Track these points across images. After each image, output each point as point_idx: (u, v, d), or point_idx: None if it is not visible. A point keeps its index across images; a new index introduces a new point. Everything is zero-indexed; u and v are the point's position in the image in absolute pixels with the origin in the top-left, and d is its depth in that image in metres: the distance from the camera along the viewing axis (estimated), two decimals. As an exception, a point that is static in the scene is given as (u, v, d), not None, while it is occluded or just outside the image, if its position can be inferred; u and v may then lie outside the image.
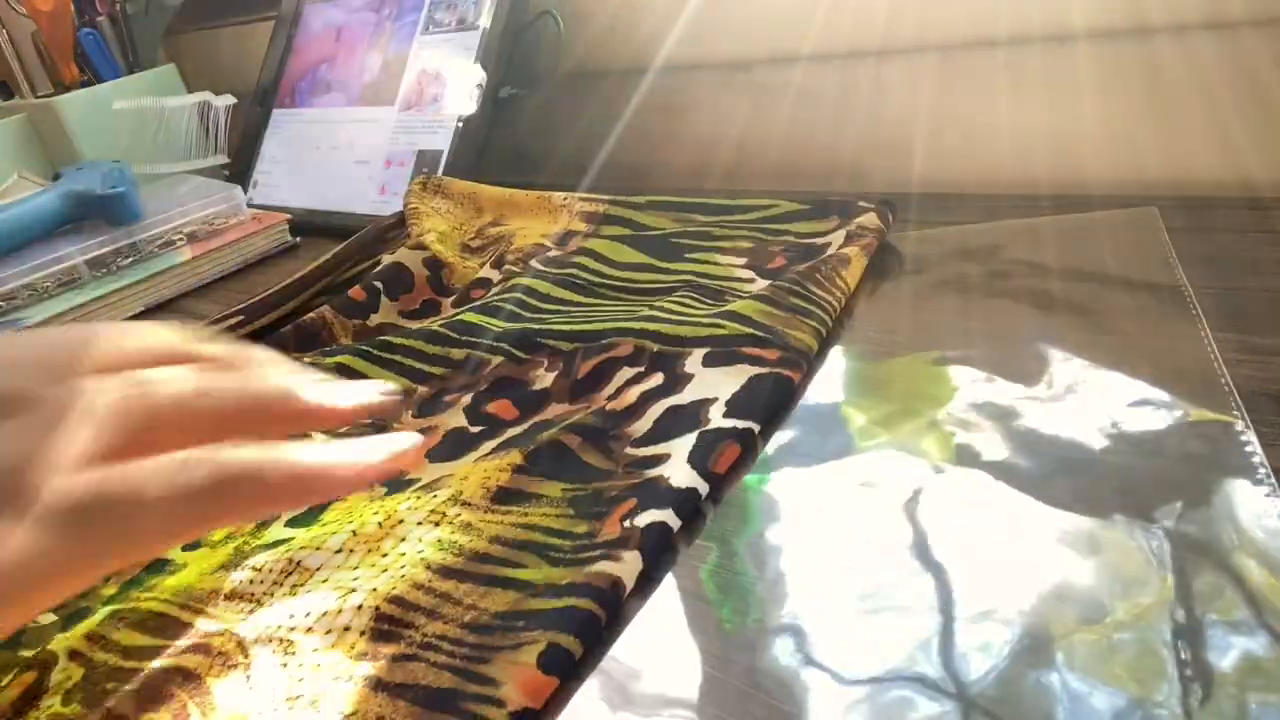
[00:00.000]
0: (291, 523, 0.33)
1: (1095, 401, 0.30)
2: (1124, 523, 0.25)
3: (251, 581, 0.29)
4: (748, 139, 0.64)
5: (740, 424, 0.32)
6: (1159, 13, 0.46)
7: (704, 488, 0.30)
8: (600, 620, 0.25)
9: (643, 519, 0.28)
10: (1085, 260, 0.40)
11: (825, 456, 0.31)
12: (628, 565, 0.26)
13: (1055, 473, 0.27)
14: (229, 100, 0.80)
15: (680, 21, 0.63)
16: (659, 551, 0.27)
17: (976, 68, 0.53)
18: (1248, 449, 0.26)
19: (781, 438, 0.32)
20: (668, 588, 0.27)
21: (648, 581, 0.27)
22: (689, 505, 0.29)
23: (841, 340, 0.38)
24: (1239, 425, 0.27)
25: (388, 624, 0.26)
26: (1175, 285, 0.36)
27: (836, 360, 0.37)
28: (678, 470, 0.30)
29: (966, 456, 0.29)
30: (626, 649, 0.25)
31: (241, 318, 0.49)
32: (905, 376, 0.34)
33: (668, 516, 0.28)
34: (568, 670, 0.24)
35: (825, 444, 0.31)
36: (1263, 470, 0.25)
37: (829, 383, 0.35)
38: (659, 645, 0.25)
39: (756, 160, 0.64)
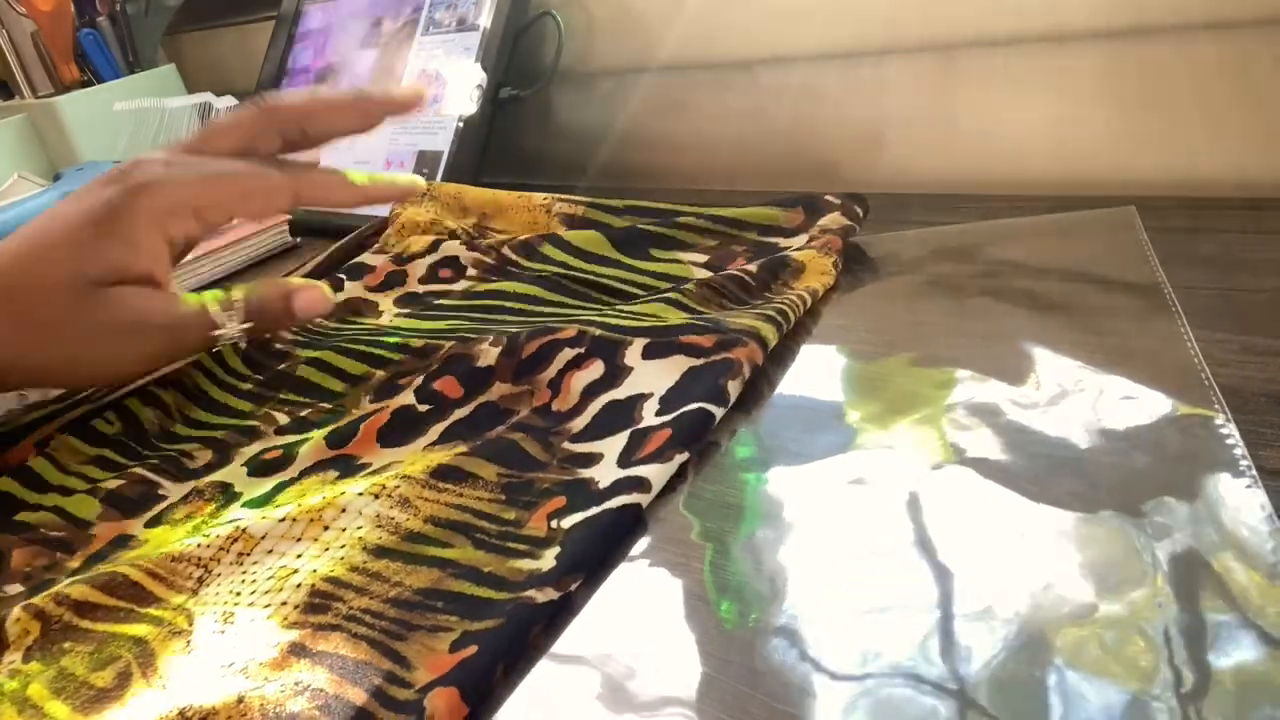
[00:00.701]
0: (248, 504, 0.34)
1: (1081, 399, 0.30)
2: (1115, 519, 0.25)
3: (199, 545, 0.31)
4: (748, 139, 0.64)
5: (669, 415, 0.33)
6: (1159, 13, 0.46)
7: (639, 498, 0.29)
8: (518, 617, 0.25)
9: (569, 520, 0.29)
10: (1067, 260, 0.40)
11: (822, 454, 0.31)
12: (543, 564, 0.27)
13: (1045, 470, 0.27)
14: (230, 101, 0.81)
15: (680, 21, 0.63)
16: (580, 560, 0.27)
17: (976, 68, 0.53)
18: (1229, 442, 0.27)
19: (778, 435, 0.32)
20: (667, 588, 0.27)
21: (596, 574, 0.27)
22: (618, 520, 0.29)
23: (836, 339, 0.38)
24: (1219, 420, 0.28)
25: (320, 598, 0.28)
26: (1155, 283, 0.36)
27: (832, 358, 0.37)
28: (607, 473, 0.31)
29: (960, 455, 0.29)
30: (624, 648, 0.25)
31: None
32: (899, 375, 0.34)
33: (593, 526, 0.28)
34: (485, 655, 0.24)
35: (822, 442, 0.31)
36: (1244, 462, 0.26)
37: (825, 380, 0.35)
38: (657, 645, 0.25)
39: (756, 160, 0.64)
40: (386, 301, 0.50)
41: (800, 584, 0.26)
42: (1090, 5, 0.48)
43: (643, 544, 0.29)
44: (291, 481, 0.35)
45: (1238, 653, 0.20)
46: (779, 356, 0.38)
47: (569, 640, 0.25)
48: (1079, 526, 0.25)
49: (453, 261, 0.51)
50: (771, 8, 0.59)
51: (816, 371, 0.36)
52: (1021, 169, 0.54)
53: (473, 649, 0.24)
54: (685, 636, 0.25)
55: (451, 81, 0.68)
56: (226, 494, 0.35)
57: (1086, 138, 0.51)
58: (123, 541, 0.34)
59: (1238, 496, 0.25)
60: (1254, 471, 0.25)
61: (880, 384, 0.34)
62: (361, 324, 0.48)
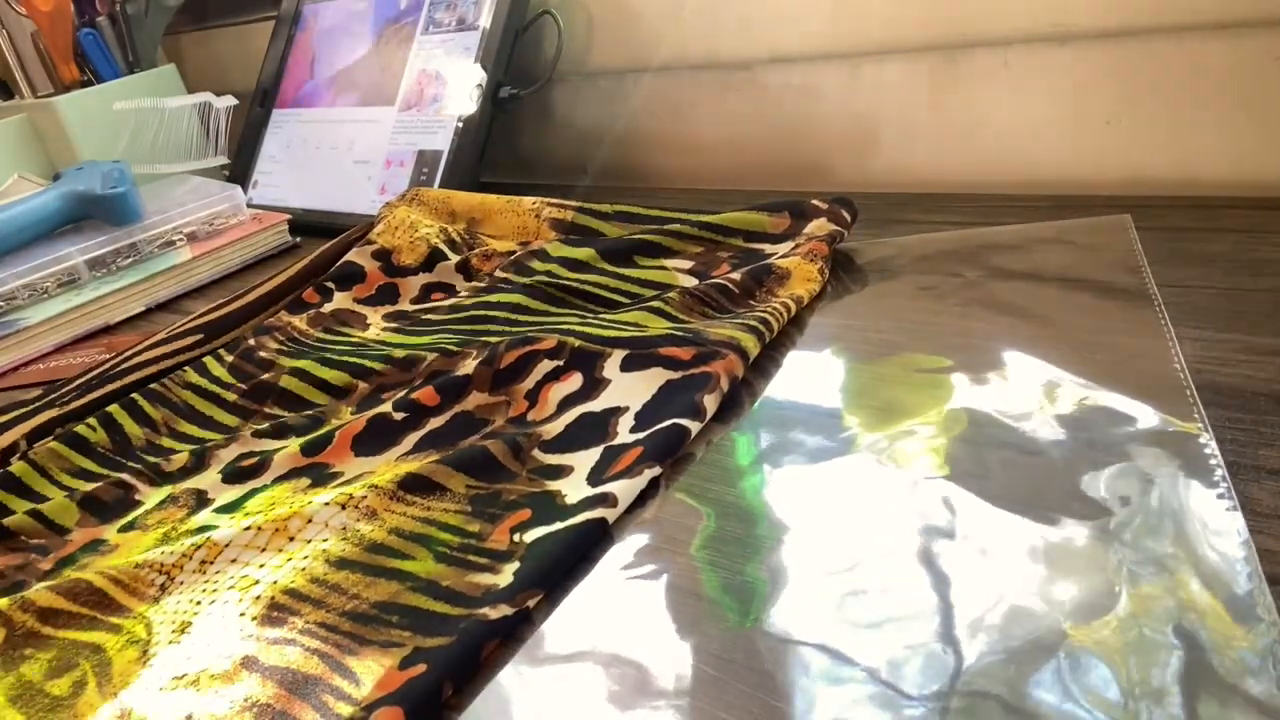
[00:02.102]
0: (219, 510, 0.35)
1: (1066, 411, 0.30)
2: (1091, 538, 0.25)
3: (164, 553, 0.31)
4: (747, 139, 0.64)
5: (643, 433, 0.32)
6: (1161, 13, 0.46)
7: (606, 513, 0.29)
8: (471, 634, 0.25)
9: (531, 534, 0.29)
10: (1060, 268, 0.40)
11: (821, 459, 0.31)
12: (501, 579, 0.27)
13: (1025, 483, 0.27)
14: (230, 101, 0.80)
15: (680, 21, 0.63)
16: (539, 577, 0.27)
17: (976, 68, 0.53)
18: (1212, 462, 0.26)
19: (778, 439, 0.32)
20: (667, 588, 0.27)
21: (563, 586, 0.27)
22: (583, 535, 0.29)
23: (833, 344, 0.38)
24: (1204, 438, 0.27)
25: (278, 611, 0.28)
26: (1145, 294, 0.37)
27: (830, 363, 0.37)
28: (576, 489, 0.31)
29: (952, 463, 0.29)
30: (625, 649, 0.25)
31: (200, 336, 0.49)
32: (895, 381, 0.34)
33: (556, 541, 0.28)
34: (433, 674, 0.24)
35: (821, 446, 0.31)
36: (1224, 484, 0.26)
37: (824, 385, 0.35)
38: (658, 646, 0.25)
39: (755, 160, 0.64)
40: (375, 316, 0.50)
41: (799, 587, 0.25)
42: (1091, 5, 0.48)
43: (644, 545, 0.29)
44: (264, 488, 0.35)
45: (1200, 693, 0.20)
46: (778, 360, 0.38)
47: (572, 639, 0.25)
48: (1056, 544, 0.25)
49: (448, 287, 0.51)
50: (771, 8, 0.59)
51: (820, 374, 0.36)
52: (1021, 169, 0.54)
53: (422, 667, 0.24)
54: (686, 636, 0.25)
55: (451, 81, 0.68)
56: (200, 500, 0.35)
57: (1087, 138, 0.51)
58: (94, 546, 0.34)
59: (1217, 520, 0.24)
60: (1233, 494, 0.25)
61: (880, 389, 0.34)
62: (347, 336, 0.48)
